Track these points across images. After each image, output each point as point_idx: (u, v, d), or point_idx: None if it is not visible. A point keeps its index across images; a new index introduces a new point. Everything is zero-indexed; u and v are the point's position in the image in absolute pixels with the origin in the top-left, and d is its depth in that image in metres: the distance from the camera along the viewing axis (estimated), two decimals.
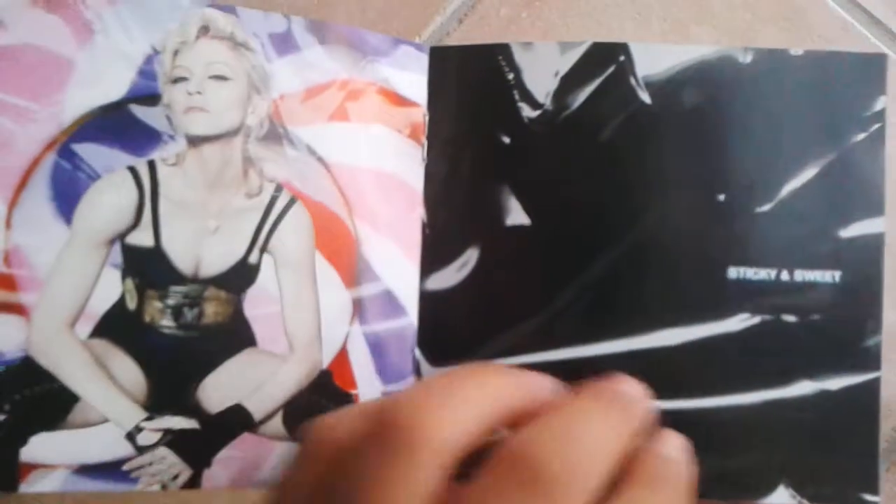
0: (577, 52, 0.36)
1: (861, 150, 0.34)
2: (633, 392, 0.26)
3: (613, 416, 0.24)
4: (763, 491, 0.34)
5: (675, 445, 0.26)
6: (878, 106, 0.35)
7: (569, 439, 0.22)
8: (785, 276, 0.34)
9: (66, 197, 0.32)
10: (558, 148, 0.36)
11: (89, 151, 0.33)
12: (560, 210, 0.36)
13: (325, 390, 0.35)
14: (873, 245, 0.34)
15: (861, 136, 0.35)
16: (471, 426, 0.22)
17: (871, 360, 0.34)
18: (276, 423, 0.34)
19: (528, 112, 0.36)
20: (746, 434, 0.34)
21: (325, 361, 0.35)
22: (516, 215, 0.36)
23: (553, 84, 0.36)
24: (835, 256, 0.34)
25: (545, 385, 0.26)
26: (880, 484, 0.34)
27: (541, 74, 0.36)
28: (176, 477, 0.33)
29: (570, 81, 0.36)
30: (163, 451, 0.33)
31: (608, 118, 0.36)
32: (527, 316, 0.36)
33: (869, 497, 0.34)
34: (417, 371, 0.36)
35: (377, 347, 0.36)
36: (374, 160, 0.36)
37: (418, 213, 0.36)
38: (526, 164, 0.36)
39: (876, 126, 0.35)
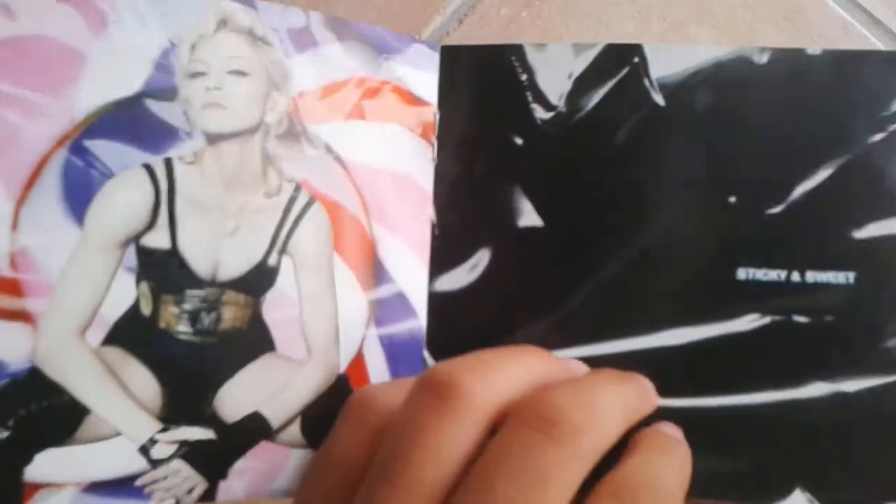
0: (591, 53, 0.36)
1: (878, 151, 0.34)
2: (645, 380, 0.30)
3: (627, 388, 0.27)
4: (778, 494, 0.33)
5: (674, 428, 0.30)
6: None
7: (586, 397, 0.25)
8: (796, 276, 0.34)
9: (78, 196, 0.30)
10: (571, 150, 0.36)
11: (103, 148, 0.31)
12: (573, 212, 0.36)
13: (342, 395, 0.34)
14: (890, 245, 0.34)
15: (879, 136, 0.34)
16: (507, 389, 0.25)
17: (891, 361, 0.33)
18: (294, 431, 0.33)
19: (541, 113, 0.36)
20: (756, 434, 0.34)
21: (342, 366, 0.34)
22: (529, 217, 0.36)
23: (566, 86, 0.36)
24: (849, 257, 0.34)
25: (578, 368, 0.30)
26: None
27: (554, 76, 0.36)
28: (191, 490, 0.32)
29: (584, 83, 0.36)
30: (177, 463, 0.32)
31: (622, 120, 0.36)
32: (538, 316, 0.36)
33: None
34: None
35: (391, 350, 0.35)
36: (389, 160, 0.35)
37: (428, 214, 0.36)
38: (538, 165, 0.36)
39: (894, 126, 0.34)
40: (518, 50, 0.37)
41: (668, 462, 0.27)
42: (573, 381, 0.27)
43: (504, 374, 0.25)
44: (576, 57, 0.36)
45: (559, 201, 0.36)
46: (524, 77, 0.37)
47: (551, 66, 0.36)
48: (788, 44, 0.37)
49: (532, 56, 0.37)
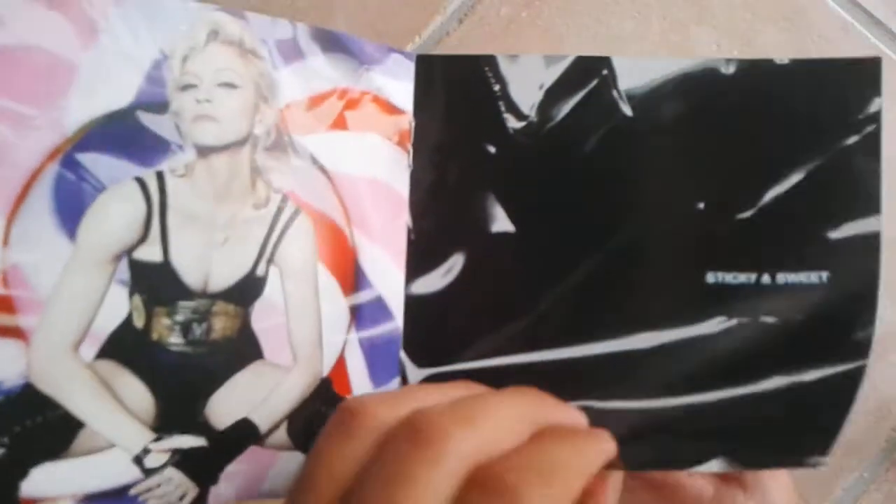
0: (562, 65, 0.38)
1: (854, 153, 0.35)
2: (537, 394, 0.29)
3: (515, 397, 0.27)
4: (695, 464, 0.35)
5: (580, 418, 0.29)
6: (872, 108, 0.35)
7: (460, 405, 0.25)
8: (766, 279, 0.35)
9: (70, 210, 0.30)
10: (543, 158, 0.37)
11: (94, 161, 0.30)
12: (544, 218, 0.37)
13: (326, 398, 0.35)
14: (867, 244, 0.35)
15: (853, 139, 0.35)
16: (491, 447, 0.25)
17: (858, 351, 0.35)
18: (281, 434, 0.34)
19: (513, 123, 0.37)
20: (700, 426, 0.35)
21: (325, 370, 0.35)
22: (501, 223, 0.37)
23: (538, 96, 0.37)
24: (822, 258, 0.35)
25: (570, 415, 0.29)
26: (833, 449, 0.35)
27: (526, 87, 0.37)
28: (182, 497, 0.32)
29: (555, 94, 0.37)
30: (170, 471, 0.32)
31: (590, 130, 0.37)
32: (510, 320, 0.37)
33: (818, 458, 0.35)
34: (403, 373, 0.37)
35: (370, 352, 0.36)
36: (368, 168, 0.36)
37: (404, 219, 0.37)
38: (511, 173, 0.37)
39: (870, 128, 0.35)
40: (491, 61, 0.38)
41: (571, 447, 0.26)
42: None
43: (410, 399, 0.26)
44: (547, 68, 0.38)
45: (531, 208, 0.37)
46: (497, 87, 0.38)
47: (523, 77, 0.38)
48: (788, 44, 0.37)
49: (504, 67, 0.38)
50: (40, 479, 0.30)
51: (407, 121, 0.37)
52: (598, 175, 0.37)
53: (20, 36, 0.29)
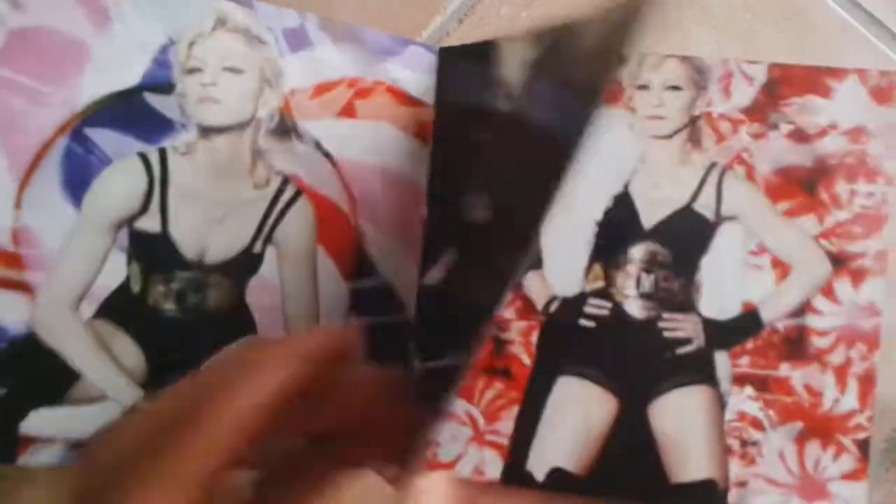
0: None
1: None
2: None
3: None
4: None
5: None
6: None
7: None
8: None
9: (77, 180, 0.33)
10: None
11: (102, 136, 0.33)
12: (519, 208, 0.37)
13: None
14: None
15: None
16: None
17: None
18: None
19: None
20: None
21: None
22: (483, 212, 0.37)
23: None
24: None
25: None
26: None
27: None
28: None
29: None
30: None
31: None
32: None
33: None
34: (409, 362, 0.37)
35: (373, 337, 0.37)
36: (378, 156, 0.37)
37: (420, 210, 0.37)
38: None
39: None
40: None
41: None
42: None
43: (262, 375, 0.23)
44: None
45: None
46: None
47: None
48: (788, 44, 0.37)
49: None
50: (38, 421, 0.33)
51: (426, 112, 0.38)
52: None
53: (37, 18, 0.32)
